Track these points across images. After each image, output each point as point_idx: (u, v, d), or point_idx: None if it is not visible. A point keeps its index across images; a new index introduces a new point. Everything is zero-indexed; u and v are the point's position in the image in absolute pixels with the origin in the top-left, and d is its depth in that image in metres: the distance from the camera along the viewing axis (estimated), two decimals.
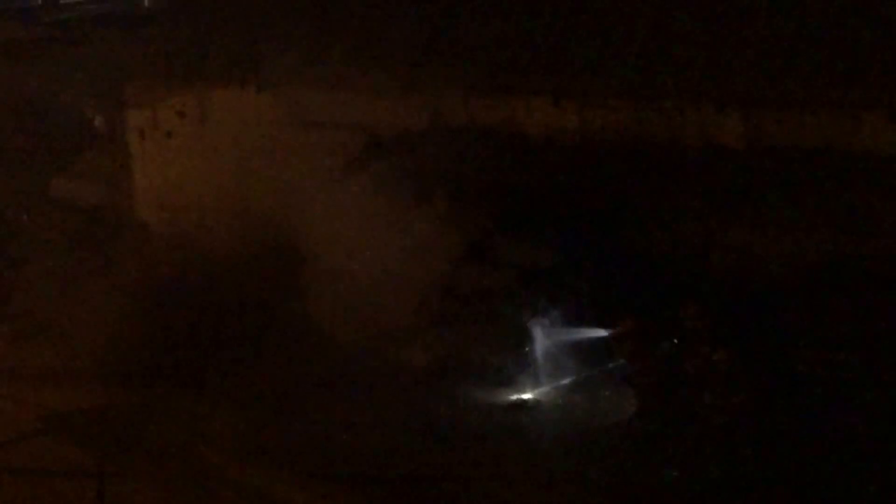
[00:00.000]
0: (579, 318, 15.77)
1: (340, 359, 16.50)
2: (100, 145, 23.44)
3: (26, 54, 23.84)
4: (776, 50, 16.03)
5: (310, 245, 17.42)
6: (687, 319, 14.68)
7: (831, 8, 15.88)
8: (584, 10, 17.98)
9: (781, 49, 16.00)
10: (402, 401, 15.48)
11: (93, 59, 23.20)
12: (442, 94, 18.58)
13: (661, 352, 14.83)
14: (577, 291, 16.01)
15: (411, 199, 16.89)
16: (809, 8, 16.04)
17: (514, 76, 18.05)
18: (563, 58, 17.74)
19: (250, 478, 14.51)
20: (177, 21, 23.14)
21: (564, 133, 17.59)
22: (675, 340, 14.81)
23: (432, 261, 16.51)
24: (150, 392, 16.71)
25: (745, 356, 14.48)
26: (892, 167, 15.08)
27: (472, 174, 17.14)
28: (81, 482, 14.60)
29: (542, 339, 15.83)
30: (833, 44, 15.67)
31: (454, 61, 18.43)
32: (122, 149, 22.72)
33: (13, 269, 20.70)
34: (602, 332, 15.38)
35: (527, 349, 15.90)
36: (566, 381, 15.64)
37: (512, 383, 15.78)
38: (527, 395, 15.65)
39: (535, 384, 15.75)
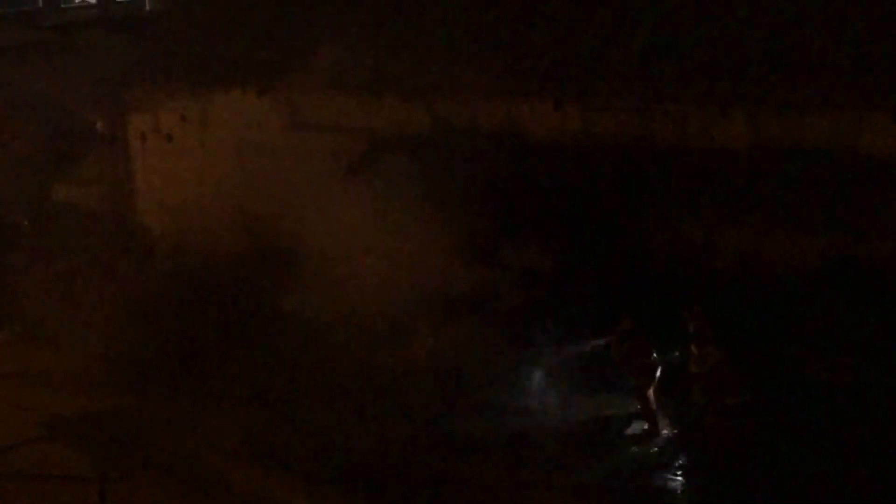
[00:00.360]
0: (581, 320, 15.74)
1: (342, 361, 16.47)
2: (101, 149, 23.46)
3: (28, 58, 23.84)
4: (780, 52, 16.01)
5: (311, 248, 17.40)
6: (690, 322, 14.66)
7: (834, 11, 15.86)
8: (586, 13, 17.98)
9: (785, 51, 15.98)
10: (404, 403, 15.46)
11: (94, 63, 23.23)
12: (444, 98, 18.58)
13: (664, 356, 14.83)
14: (579, 293, 15.99)
15: (413, 202, 16.88)
16: (812, 11, 16.03)
17: (516, 79, 18.04)
18: (566, 61, 17.73)
19: (252, 481, 14.50)
20: (178, 25, 23.19)
21: (567, 136, 17.58)
22: (677, 342, 14.81)
23: (434, 263, 16.50)
24: (151, 396, 16.71)
25: (747, 358, 14.46)
26: None
27: (474, 177, 17.12)
28: (83, 486, 14.59)
29: (543, 340, 15.82)
30: (837, 46, 15.65)
31: (456, 65, 18.41)
32: (124, 152, 22.76)
33: (15, 273, 20.70)
34: (603, 334, 15.36)
35: (527, 351, 15.89)
36: (566, 382, 15.61)
37: (513, 385, 15.77)
38: (527, 397, 15.63)
39: (536, 385, 15.73)
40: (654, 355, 14.67)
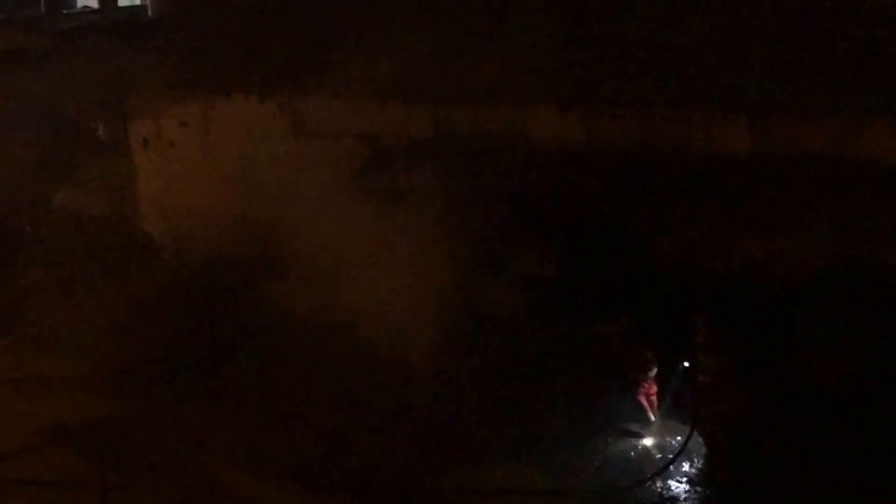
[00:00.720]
0: (583, 324, 15.76)
1: (344, 367, 16.46)
2: (103, 155, 23.43)
3: (30, 64, 23.83)
4: (782, 57, 16.00)
5: (313, 253, 17.39)
6: (698, 331, 14.68)
7: (837, 15, 15.85)
8: (588, 18, 17.97)
9: (788, 56, 15.97)
10: (405, 408, 15.43)
11: (96, 68, 23.21)
12: (446, 103, 18.57)
13: (672, 369, 14.87)
14: (582, 298, 15.99)
15: (415, 208, 16.87)
16: (815, 15, 16.02)
17: (519, 85, 18.03)
18: (568, 66, 17.71)
19: (253, 487, 14.47)
20: (180, 31, 23.17)
21: (569, 141, 17.57)
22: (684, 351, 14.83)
23: (437, 269, 16.48)
24: (152, 402, 16.68)
25: (749, 364, 14.45)
26: None
27: (477, 183, 17.11)
28: (84, 493, 14.55)
29: (545, 345, 15.82)
30: (839, 51, 15.63)
31: (458, 70, 18.40)
32: (126, 159, 22.72)
33: (17, 279, 20.68)
34: (602, 334, 15.40)
35: (529, 355, 15.88)
36: (567, 383, 15.61)
37: (513, 387, 15.75)
38: (528, 399, 15.62)
39: (536, 386, 15.71)
40: (651, 353, 14.79)
